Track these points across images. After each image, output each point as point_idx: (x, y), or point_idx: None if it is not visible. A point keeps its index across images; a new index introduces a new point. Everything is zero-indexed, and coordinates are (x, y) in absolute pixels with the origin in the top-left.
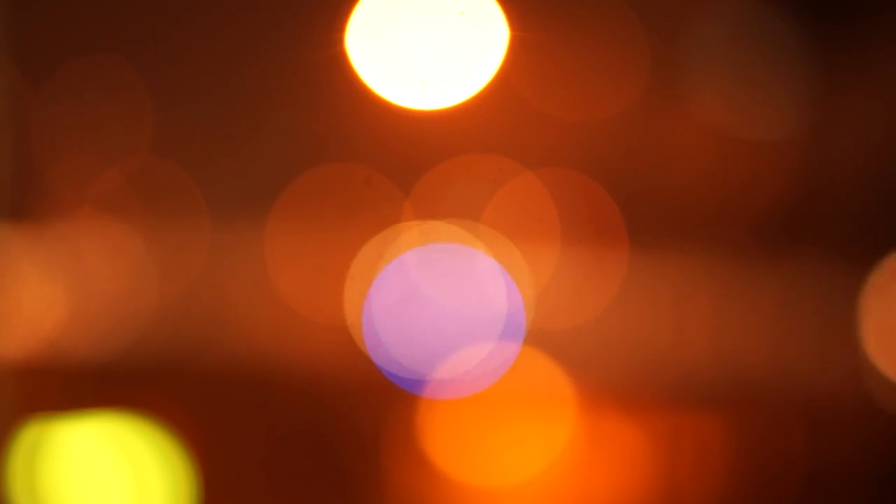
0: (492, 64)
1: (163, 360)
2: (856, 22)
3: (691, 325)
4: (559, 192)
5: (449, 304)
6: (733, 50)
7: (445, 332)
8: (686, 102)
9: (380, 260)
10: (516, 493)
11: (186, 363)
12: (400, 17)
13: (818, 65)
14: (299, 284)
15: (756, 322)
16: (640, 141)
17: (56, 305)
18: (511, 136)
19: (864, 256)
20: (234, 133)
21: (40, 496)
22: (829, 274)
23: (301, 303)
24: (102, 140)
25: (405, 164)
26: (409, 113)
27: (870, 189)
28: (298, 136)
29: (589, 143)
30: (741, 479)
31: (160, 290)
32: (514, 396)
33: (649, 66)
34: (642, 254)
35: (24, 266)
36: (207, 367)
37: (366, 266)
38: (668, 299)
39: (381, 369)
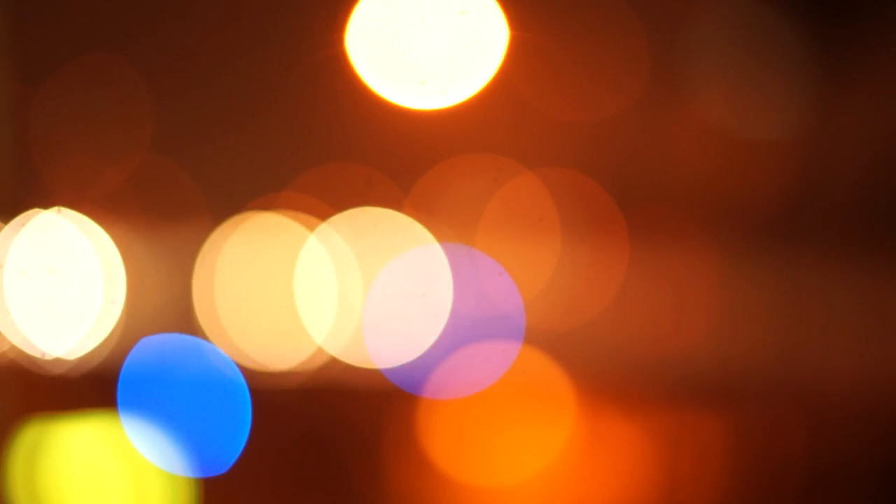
0: (492, 64)
1: (162, 360)
2: (856, 22)
3: (691, 324)
4: (559, 191)
5: (449, 304)
6: (734, 50)
7: (445, 331)
8: (686, 102)
9: (380, 259)
10: (516, 493)
11: (185, 363)
12: (400, 17)
13: (819, 64)
14: (299, 284)
15: (756, 321)
16: (640, 141)
17: (56, 305)
18: (511, 136)
19: (864, 255)
20: (234, 132)
21: (40, 496)
22: (829, 273)
23: (301, 302)
24: (102, 139)
25: (405, 164)
26: (409, 113)
27: (870, 188)
28: (299, 136)
29: (589, 143)
30: (741, 478)
31: (159, 289)
32: (514, 396)
33: (649, 66)
34: (642, 253)
35: (24, 265)
36: (206, 366)
37: (366, 265)
38: (668, 299)
39: (381, 369)
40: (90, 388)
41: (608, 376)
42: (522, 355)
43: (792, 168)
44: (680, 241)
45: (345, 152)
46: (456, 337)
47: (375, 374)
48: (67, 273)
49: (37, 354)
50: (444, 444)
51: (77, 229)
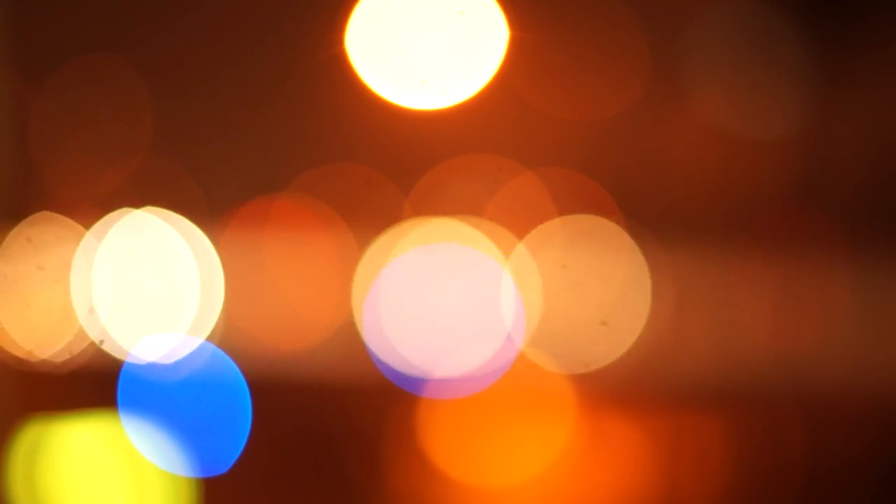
0: (492, 64)
1: (162, 360)
2: (856, 22)
3: (691, 324)
4: (559, 191)
5: (449, 304)
6: (734, 50)
7: (445, 332)
8: (686, 102)
9: (380, 260)
10: (516, 493)
11: (185, 362)
12: (400, 17)
13: (819, 64)
14: (299, 284)
15: (756, 322)
16: (641, 141)
17: (56, 305)
18: (511, 136)
19: (864, 255)
20: (235, 132)
21: (40, 496)
22: (830, 273)
23: (301, 302)
24: (102, 139)
25: (405, 164)
26: (409, 113)
27: (869, 188)
28: (298, 136)
29: (589, 143)
30: (741, 479)
31: (159, 289)
32: (515, 396)
33: (649, 67)
34: (642, 253)
35: (24, 266)
36: (206, 366)
37: (366, 266)
38: (668, 299)
39: (381, 369)
40: (90, 388)
41: (608, 377)
42: (522, 355)
43: (792, 168)
44: (680, 240)
45: (345, 152)
46: (456, 337)
47: (375, 373)
48: (157, 276)
49: (136, 359)
50: (444, 444)
51: (167, 230)
